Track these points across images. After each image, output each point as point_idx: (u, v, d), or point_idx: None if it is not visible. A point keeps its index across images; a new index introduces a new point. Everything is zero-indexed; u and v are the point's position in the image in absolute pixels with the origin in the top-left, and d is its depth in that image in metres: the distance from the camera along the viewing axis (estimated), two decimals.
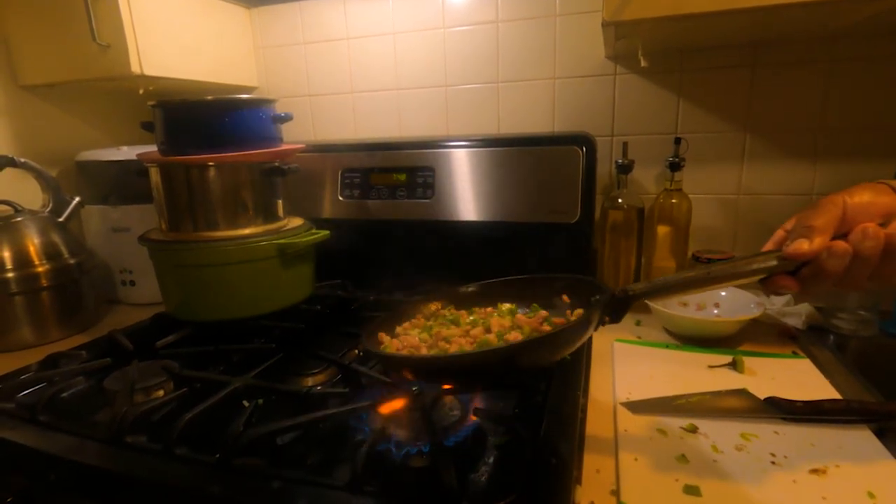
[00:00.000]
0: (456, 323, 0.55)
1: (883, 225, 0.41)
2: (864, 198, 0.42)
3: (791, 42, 0.86)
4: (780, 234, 0.46)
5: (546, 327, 0.51)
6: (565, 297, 0.55)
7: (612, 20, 0.62)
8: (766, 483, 0.46)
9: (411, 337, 0.53)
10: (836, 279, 0.42)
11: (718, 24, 0.70)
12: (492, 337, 0.50)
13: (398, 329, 0.56)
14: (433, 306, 0.60)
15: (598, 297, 0.49)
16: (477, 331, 0.52)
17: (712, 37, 0.84)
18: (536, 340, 0.46)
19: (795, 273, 0.43)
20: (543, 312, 0.54)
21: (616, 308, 0.47)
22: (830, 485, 0.45)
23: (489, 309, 0.58)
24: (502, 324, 0.52)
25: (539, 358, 0.46)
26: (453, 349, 0.49)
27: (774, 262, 0.43)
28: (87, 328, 0.93)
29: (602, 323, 0.47)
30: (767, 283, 0.44)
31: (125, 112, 1.17)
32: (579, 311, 0.52)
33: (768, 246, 0.46)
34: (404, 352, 0.51)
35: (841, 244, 0.41)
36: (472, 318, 0.57)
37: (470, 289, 0.61)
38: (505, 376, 0.57)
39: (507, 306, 0.58)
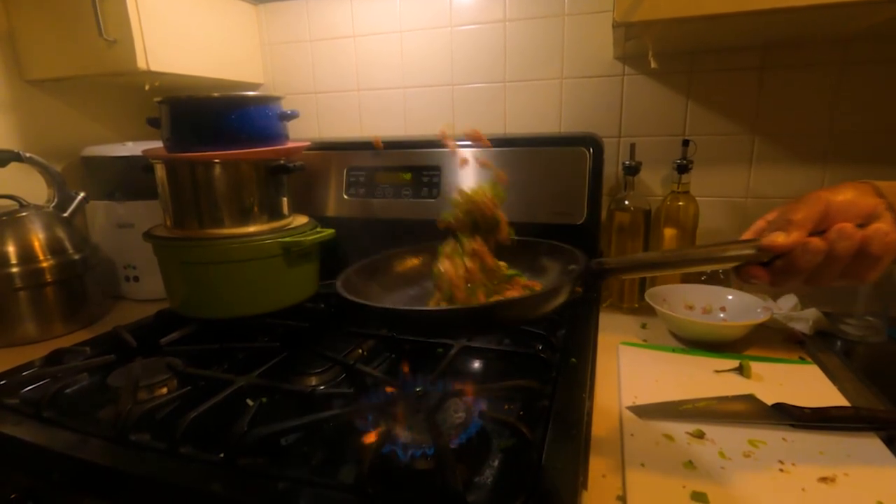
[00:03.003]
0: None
1: (861, 226, 0.41)
2: (846, 196, 0.42)
3: (802, 44, 0.86)
4: (760, 224, 0.47)
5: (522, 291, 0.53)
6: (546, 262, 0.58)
7: (623, 21, 0.61)
8: (774, 491, 0.45)
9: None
10: (807, 275, 0.42)
11: (730, 25, 0.69)
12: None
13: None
14: (415, 260, 0.61)
15: (573, 266, 0.50)
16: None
17: (723, 38, 0.83)
18: (512, 301, 0.49)
19: (769, 264, 0.43)
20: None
21: (589, 279, 0.48)
22: (839, 493, 0.45)
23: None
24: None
25: (513, 317, 0.49)
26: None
27: (750, 251, 0.43)
28: (91, 324, 0.93)
29: (574, 293, 0.48)
30: (740, 272, 0.45)
31: (131, 108, 1.17)
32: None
33: (747, 235, 0.46)
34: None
35: (816, 241, 0.41)
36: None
37: None
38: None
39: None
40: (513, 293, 0.51)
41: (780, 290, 0.83)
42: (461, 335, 0.69)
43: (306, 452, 0.51)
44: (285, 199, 0.84)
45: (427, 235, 0.92)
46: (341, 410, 0.54)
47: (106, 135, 1.13)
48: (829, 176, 0.89)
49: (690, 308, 0.83)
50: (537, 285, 0.54)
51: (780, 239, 0.42)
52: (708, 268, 0.47)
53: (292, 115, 0.83)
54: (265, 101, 0.79)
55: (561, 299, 0.47)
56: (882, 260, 0.41)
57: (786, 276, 0.43)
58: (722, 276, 0.90)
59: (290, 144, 0.83)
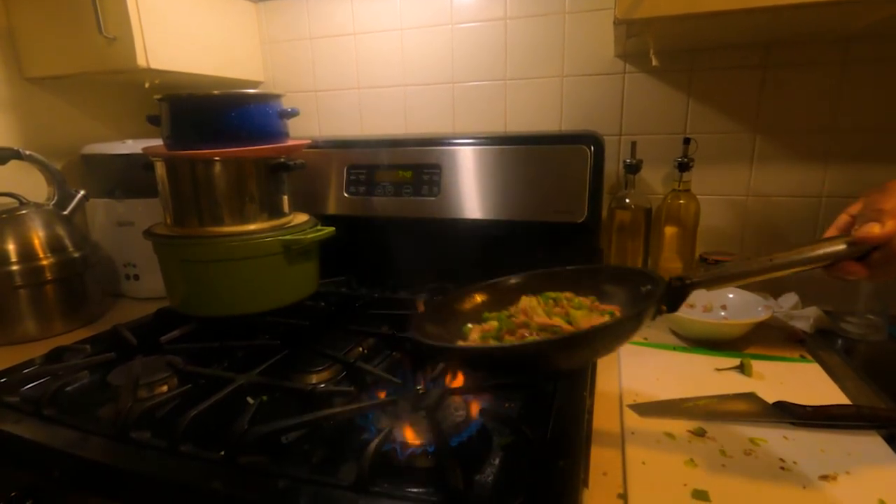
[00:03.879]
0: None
1: None
2: None
3: (803, 43, 0.85)
4: (844, 218, 0.45)
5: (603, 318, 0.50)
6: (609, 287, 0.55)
7: (624, 18, 0.61)
8: (775, 489, 0.45)
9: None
10: None
11: (731, 23, 0.69)
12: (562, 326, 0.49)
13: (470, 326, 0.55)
14: (478, 297, 0.59)
15: (649, 287, 0.48)
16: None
17: (724, 36, 0.83)
18: (603, 328, 0.45)
19: (863, 258, 0.42)
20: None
21: (672, 297, 0.47)
22: (841, 492, 0.45)
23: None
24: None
25: (600, 349, 0.47)
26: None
27: (843, 247, 0.42)
28: (91, 322, 0.93)
29: (659, 312, 0.47)
30: (833, 270, 0.43)
31: (131, 105, 1.17)
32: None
33: (831, 231, 0.45)
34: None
35: None
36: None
37: (512, 281, 0.60)
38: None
39: (569, 295, 0.55)
40: (593, 319, 0.48)
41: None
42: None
43: (307, 450, 0.51)
44: (285, 197, 0.84)
45: (428, 233, 0.93)
46: (342, 409, 0.54)
47: (106, 133, 1.13)
48: (829, 174, 0.89)
49: (691, 306, 0.83)
50: (616, 310, 0.51)
51: (875, 230, 0.40)
52: (799, 271, 0.44)
53: (292, 113, 0.83)
54: (265, 99, 0.79)
55: (646, 321, 0.45)
56: None
57: (887, 267, 0.41)
58: None
59: (290, 142, 0.83)
